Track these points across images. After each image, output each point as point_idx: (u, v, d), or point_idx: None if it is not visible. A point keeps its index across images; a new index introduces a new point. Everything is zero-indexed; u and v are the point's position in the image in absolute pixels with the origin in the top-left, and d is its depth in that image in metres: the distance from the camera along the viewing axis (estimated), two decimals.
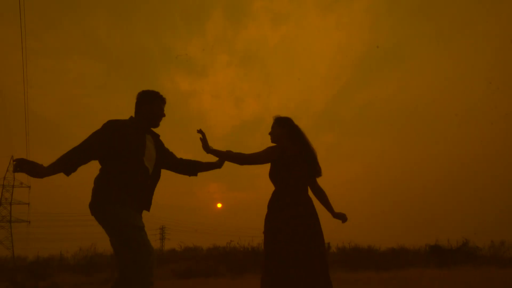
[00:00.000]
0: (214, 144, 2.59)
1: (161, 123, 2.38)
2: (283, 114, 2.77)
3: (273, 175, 2.60)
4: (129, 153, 2.11)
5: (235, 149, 2.56)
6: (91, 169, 2.18)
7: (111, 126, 2.14)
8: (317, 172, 2.68)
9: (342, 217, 2.73)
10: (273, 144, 2.69)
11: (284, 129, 2.67)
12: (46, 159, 1.89)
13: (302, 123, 2.76)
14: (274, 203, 2.54)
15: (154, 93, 2.34)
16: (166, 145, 2.47)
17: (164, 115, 2.36)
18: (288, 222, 2.43)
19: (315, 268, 2.36)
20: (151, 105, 2.30)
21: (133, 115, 2.33)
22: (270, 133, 2.72)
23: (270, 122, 2.75)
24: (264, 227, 2.54)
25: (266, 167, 2.77)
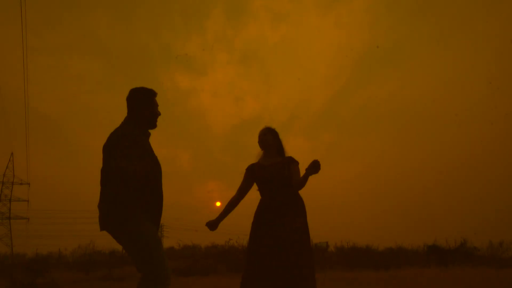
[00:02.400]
0: (212, 142, 2.64)
1: (161, 122, 2.34)
2: (283, 113, 2.88)
3: (289, 179, 2.76)
4: (150, 163, 2.07)
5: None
6: (90, 167, 2.16)
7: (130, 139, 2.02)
8: None
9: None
10: (261, 149, 2.92)
11: (276, 140, 2.90)
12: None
13: (302, 122, 2.90)
14: (301, 204, 2.72)
15: (150, 92, 2.20)
16: (166, 144, 2.46)
17: (160, 114, 2.25)
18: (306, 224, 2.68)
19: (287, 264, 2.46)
20: (150, 107, 2.18)
21: (127, 117, 2.19)
22: (265, 140, 2.87)
23: (269, 121, 2.91)
24: (302, 228, 2.62)
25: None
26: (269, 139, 2.86)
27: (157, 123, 2.27)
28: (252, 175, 2.88)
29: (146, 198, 2.03)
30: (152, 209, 2.09)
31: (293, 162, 2.79)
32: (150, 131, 2.27)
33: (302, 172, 2.59)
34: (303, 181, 2.55)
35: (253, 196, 2.92)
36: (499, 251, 12.46)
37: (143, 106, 2.16)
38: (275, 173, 2.75)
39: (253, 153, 2.98)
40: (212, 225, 2.78)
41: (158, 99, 2.26)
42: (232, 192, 2.91)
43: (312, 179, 2.72)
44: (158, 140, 2.31)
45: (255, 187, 2.88)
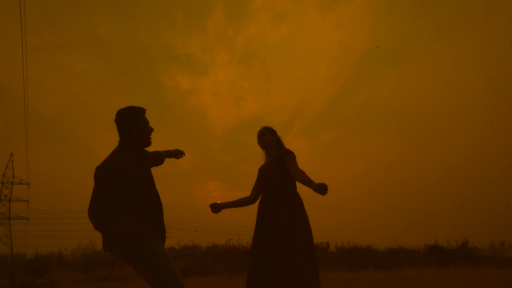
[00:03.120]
0: (213, 142, 2.64)
1: (162, 121, 2.29)
2: (283, 113, 2.90)
3: (285, 178, 2.71)
4: (142, 191, 2.04)
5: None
6: (91, 168, 2.14)
7: (115, 171, 1.96)
8: None
9: None
10: (262, 148, 2.92)
11: (275, 137, 2.91)
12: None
13: (302, 122, 2.91)
14: (297, 202, 2.67)
15: (137, 110, 2.11)
16: (167, 143, 2.43)
17: (153, 130, 2.17)
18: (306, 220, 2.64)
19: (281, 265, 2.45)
20: (139, 126, 2.09)
21: (120, 141, 2.13)
22: (264, 139, 2.87)
23: (270, 121, 2.93)
24: (298, 228, 2.57)
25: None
26: (269, 137, 2.87)
27: (157, 124, 2.24)
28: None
29: (149, 215, 2.02)
30: (157, 225, 2.07)
31: (288, 155, 2.76)
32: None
33: (298, 163, 2.60)
34: (304, 180, 2.51)
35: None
36: (501, 251, 12.43)
37: (131, 126, 2.07)
38: (269, 170, 2.77)
39: (254, 152, 3.01)
40: (216, 207, 2.77)
41: (159, 99, 2.26)
42: (231, 191, 2.93)
43: (312, 178, 2.72)
44: (158, 140, 2.28)
45: None
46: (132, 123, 2.07)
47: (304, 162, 2.79)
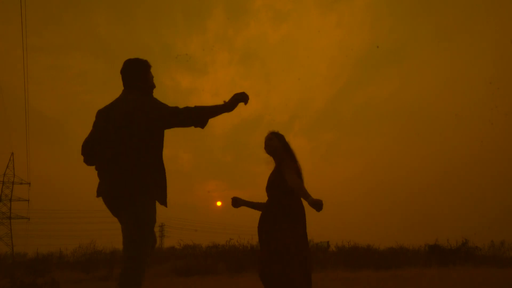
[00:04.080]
0: (213, 141, 2.62)
1: None
2: (284, 113, 2.85)
3: (286, 186, 2.62)
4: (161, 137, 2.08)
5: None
6: (91, 167, 2.14)
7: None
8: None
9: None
10: (268, 154, 2.85)
11: (282, 143, 2.83)
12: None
13: (302, 122, 2.86)
14: (297, 212, 2.58)
15: (144, 63, 2.15)
16: (167, 143, 2.42)
17: (155, 87, 2.20)
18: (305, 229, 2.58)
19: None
20: (146, 76, 2.13)
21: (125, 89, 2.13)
22: (269, 144, 2.81)
23: (270, 120, 2.92)
24: (289, 238, 2.51)
25: (266, 168, 2.85)
26: (274, 143, 2.80)
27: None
28: None
29: (156, 172, 2.00)
30: (161, 184, 2.04)
31: (283, 162, 2.69)
32: None
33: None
34: (299, 191, 2.47)
35: (254, 195, 2.91)
36: (501, 250, 12.43)
37: (141, 75, 2.12)
38: (271, 177, 2.74)
39: (254, 152, 2.98)
40: (237, 202, 2.80)
41: (159, 99, 2.22)
42: (232, 191, 2.92)
43: (312, 178, 2.71)
44: None
45: None
46: (140, 72, 2.12)
47: (304, 162, 2.78)
